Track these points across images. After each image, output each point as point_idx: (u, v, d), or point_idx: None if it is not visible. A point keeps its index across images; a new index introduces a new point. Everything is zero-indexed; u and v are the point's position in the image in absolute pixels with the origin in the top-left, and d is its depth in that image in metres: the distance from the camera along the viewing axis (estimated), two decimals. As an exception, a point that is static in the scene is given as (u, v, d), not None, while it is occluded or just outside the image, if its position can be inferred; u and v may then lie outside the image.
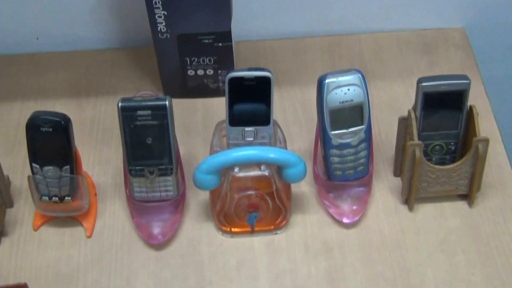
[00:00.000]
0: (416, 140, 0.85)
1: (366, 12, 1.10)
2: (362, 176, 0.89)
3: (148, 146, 0.83)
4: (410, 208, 0.91)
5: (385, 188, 0.93)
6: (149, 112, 0.81)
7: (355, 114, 0.83)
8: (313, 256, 0.88)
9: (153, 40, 0.97)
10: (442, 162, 0.89)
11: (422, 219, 0.91)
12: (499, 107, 1.04)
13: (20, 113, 1.03)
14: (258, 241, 0.89)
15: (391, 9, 1.10)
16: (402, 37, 1.12)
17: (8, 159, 0.96)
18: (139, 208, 0.89)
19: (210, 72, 1.01)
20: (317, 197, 0.92)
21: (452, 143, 0.88)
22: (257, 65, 0.96)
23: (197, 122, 1.02)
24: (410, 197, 0.90)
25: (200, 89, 1.03)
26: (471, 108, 0.86)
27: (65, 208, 0.88)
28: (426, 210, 0.91)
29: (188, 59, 0.99)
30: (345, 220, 0.89)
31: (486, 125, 0.97)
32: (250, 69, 0.83)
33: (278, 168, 0.85)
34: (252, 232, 0.89)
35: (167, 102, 0.81)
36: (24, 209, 0.93)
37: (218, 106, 1.01)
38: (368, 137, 0.86)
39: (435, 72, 1.04)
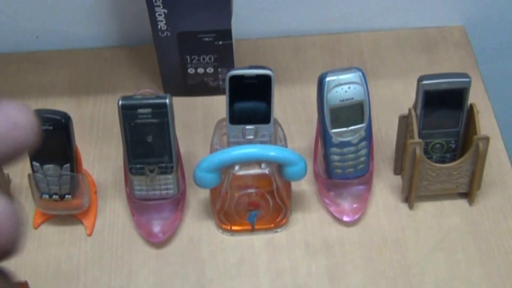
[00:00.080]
0: (417, 138, 0.85)
1: (366, 10, 1.10)
2: (363, 175, 0.89)
3: (148, 144, 0.83)
4: (411, 206, 0.91)
5: (385, 186, 0.93)
6: (149, 110, 0.81)
7: (355, 112, 0.83)
8: (314, 254, 0.88)
9: (153, 38, 0.97)
10: (443, 160, 0.89)
11: (422, 217, 0.91)
12: (499, 105, 1.04)
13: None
14: (258, 239, 0.89)
15: (391, 7, 1.10)
16: (402, 35, 1.12)
17: (8, 157, 0.96)
18: (139, 206, 0.89)
19: (210, 70, 1.01)
20: (318, 195, 0.92)
21: (453, 141, 0.88)
22: (257, 63, 0.96)
23: (197, 120, 1.02)
24: (411, 195, 0.90)
25: (200, 87, 1.03)
26: (471, 106, 0.86)
27: (66, 206, 0.88)
28: (426, 208, 0.91)
29: (188, 57, 0.99)
30: (346, 218, 0.89)
31: (486, 123, 0.97)
32: (250, 67, 0.83)
33: (279, 166, 0.84)
34: (253, 230, 0.89)
35: (167, 100, 0.81)
36: (24, 207, 0.93)
37: (218, 104, 1.01)
38: (368, 135, 0.86)
39: (435, 70, 1.04)
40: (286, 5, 1.09)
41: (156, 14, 0.93)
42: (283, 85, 1.05)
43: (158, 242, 0.88)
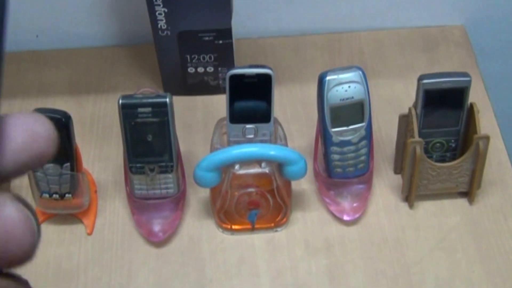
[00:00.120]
0: (417, 138, 0.85)
1: (367, 10, 1.10)
2: (363, 174, 0.89)
3: (148, 143, 0.83)
4: (411, 206, 0.91)
5: (385, 186, 0.93)
6: (149, 109, 0.81)
7: (355, 111, 0.83)
8: (314, 253, 0.88)
9: (153, 37, 0.97)
10: (443, 160, 0.89)
11: (422, 216, 0.91)
12: (499, 105, 1.04)
13: (20, 110, 1.03)
14: (258, 239, 0.89)
15: (392, 6, 1.10)
16: (403, 35, 1.12)
17: (8, 157, 0.96)
18: (140, 205, 0.89)
19: (210, 69, 1.01)
20: (318, 194, 0.92)
21: (453, 141, 0.88)
22: (258, 63, 0.96)
23: (197, 119, 1.02)
24: (411, 194, 0.90)
25: (200, 87, 1.03)
26: (471, 105, 0.86)
27: (66, 205, 0.88)
28: (427, 208, 0.91)
29: (188, 57, 0.99)
30: (346, 218, 0.89)
31: (486, 123, 0.97)
32: (251, 66, 0.83)
33: (279, 166, 0.84)
34: (253, 230, 0.89)
35: (167, 99, 0.81)
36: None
37: (219, 104, 1.01)
38: (368, 135, 0.86)
39: (435, 69, 1.04)
40: (287, 4, 1.09)
41: (156, 13, 0.93)
42: (283, 84, 1.05)
43: (158, 241, 0.88)
